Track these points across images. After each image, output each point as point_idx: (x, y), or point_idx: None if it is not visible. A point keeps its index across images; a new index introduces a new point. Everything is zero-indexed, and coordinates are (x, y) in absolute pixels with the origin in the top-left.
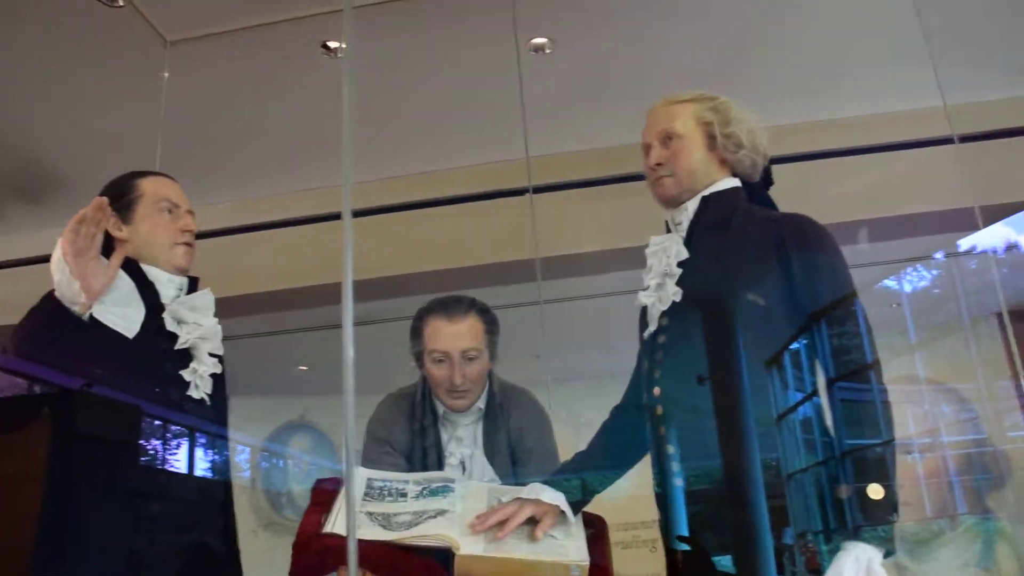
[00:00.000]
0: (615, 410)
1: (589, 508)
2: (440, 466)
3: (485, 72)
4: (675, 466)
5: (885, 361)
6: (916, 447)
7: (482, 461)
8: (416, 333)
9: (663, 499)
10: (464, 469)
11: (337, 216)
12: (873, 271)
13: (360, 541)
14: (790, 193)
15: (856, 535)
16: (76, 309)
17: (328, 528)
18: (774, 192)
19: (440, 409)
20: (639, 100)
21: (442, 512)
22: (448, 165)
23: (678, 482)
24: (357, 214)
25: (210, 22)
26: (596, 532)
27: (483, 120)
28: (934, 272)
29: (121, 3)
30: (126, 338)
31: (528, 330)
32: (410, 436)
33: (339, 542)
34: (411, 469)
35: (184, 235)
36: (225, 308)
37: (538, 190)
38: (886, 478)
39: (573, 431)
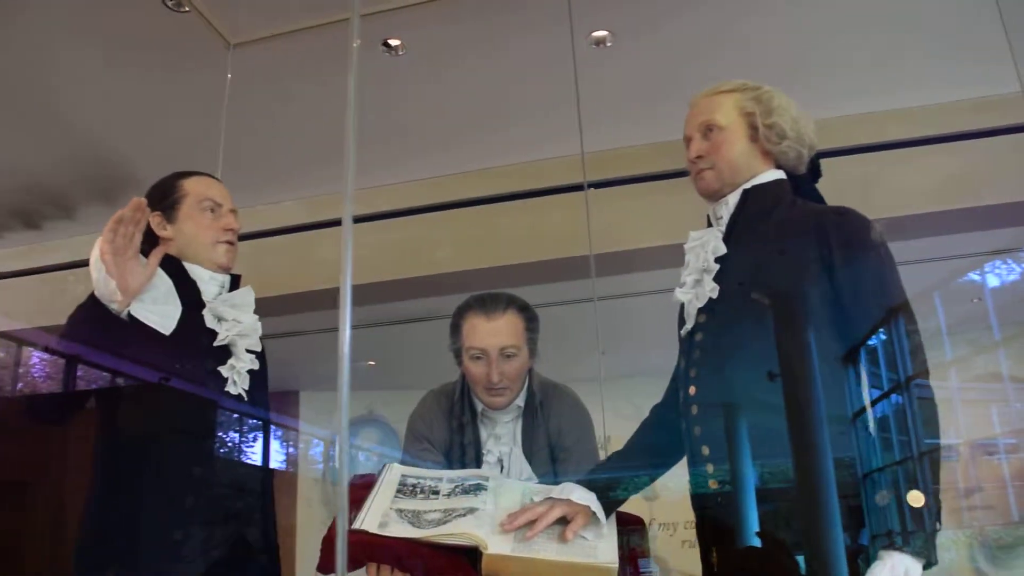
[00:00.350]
0: (655, 408)
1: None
2: (478, 463)
3: (543, 66)
4: (709, 467)
5: (967, 358)
6: (1001, 448)
7: (520, 459)
8: (455, 330)
9: (697, 500)
10: (502, 467)
11: (402, 213)
12: (955, 265)
13: (389, 538)
14: (860, 184)
15: (893, 544)
16: (114, 307)
17: (356, 525)
18: (842, 184)
19: (479, 406)
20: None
21: (472, 510)
22: (506, 161)
23: (712, 484)
24: (421, 210)
25: (272, 24)
26: (627, 531)
27: (542, 114)
28: (1021, 266)
29: (187, 8)
30: (165, 335)
31: (593, 326)
32: (449, 433)
33: (364, 539)
34: (450, 466)
35: (226, 234)
36: (294, 304)
37: (595, 185)
38: (928, 485)
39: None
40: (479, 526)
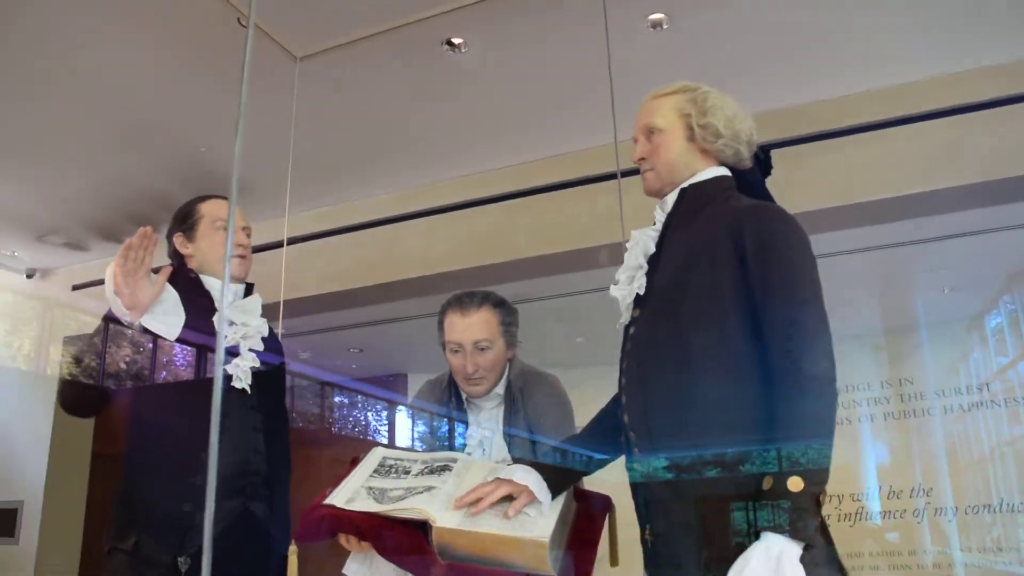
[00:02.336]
0: (614, 396)
1: None
2: (463, 447)
3: (602, 52)
4: (635, 451)
5: None
6: None
7: (500, 443)
8: (439, 326)
9: (631, 482)
10: (484, 451)
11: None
12: None
13: (351, 512)
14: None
15: (771, 526)
16: (127, 320)
17: (327, 500)
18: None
19: (464, 394)
20: (753, 75)
21: (430, 488)
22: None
23: (637, 466)
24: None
25: (336, 34)
26: (590, 510)
27: (597, 101)
28: None
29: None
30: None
31: None
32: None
33: (332, 512)
34: (441, 449)
35: (238, 248)
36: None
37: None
38: (810, 472)
39: None
40: (431, 502)
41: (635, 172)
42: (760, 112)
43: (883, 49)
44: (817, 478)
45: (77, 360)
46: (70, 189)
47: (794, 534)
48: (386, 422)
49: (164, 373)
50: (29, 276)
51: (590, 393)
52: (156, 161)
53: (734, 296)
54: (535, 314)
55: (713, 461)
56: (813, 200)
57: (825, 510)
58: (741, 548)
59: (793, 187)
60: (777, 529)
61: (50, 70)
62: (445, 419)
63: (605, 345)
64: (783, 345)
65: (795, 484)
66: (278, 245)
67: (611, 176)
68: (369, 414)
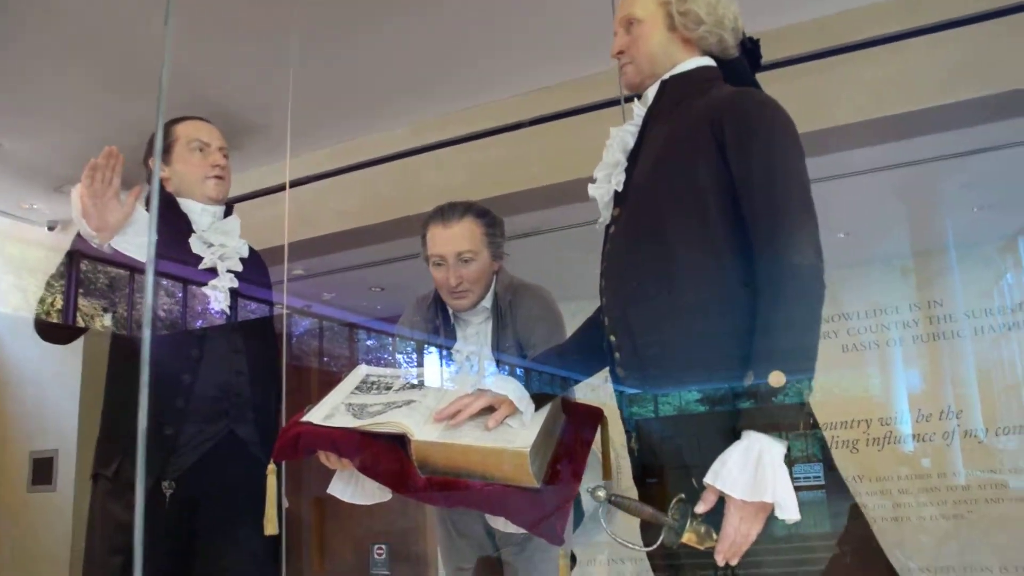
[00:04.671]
0: (598, 308)
1: None
2: (450, 362)
3: None
4: (617, 356)
5: None
6: None
7: (490, 359)
8: (422, 240)
9: (615, 389)
10: (472, 367)
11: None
12: None
13: (328, 428)
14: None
15: (751, 423)
16: (96, 242)
17: (304, 418)
18: None
19: (451, 309)
20: None
21: (409, 403)
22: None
23: (620, 372)
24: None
25: None
26: (580, 421)
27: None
28: None
29: None
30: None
31: None
32: (427, 336)
33: (309, 429)
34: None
35: (214, 169)
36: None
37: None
38: (793, 366)
39: None
40: (410, 416)
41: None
42: (778, 28)
43: None
44: (801, 372)
45: (42, 300)
46: (81, 137)
47: (776, 432)
48: (415, 362)
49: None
50: (51, 228)
51: None
52: (167, 105)
53: (715, 189)
54: (554, 245)
55: (696, 364)
56: (835, 117)
57: (853, 434)
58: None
59: (813, 103)
60: (757, 426)
61: (60, 19)
62: (433, 335)
63: None
64: (766, 237)
65: (777, 379)
66: (292, 184)
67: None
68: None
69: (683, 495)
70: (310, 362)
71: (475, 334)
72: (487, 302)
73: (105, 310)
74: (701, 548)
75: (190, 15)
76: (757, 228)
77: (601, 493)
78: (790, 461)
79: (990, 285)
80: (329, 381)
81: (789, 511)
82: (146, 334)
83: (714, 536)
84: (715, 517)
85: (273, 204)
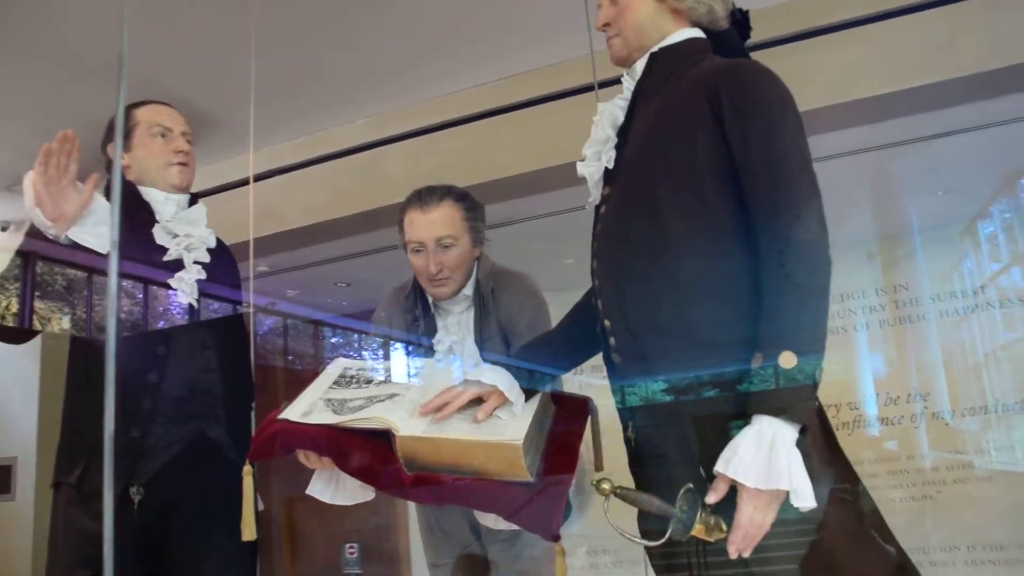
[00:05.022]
0: (588, 291)
1: None
2: (431, 354)
3: None
4: (612, 341)
5: None
6: None
7: (472, 348)
8: (399, 226)
9: (610, 377)
10: (454, 356)
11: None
12: None
13: (306, 425)
14: None
15: (763, 407)
16: (51, 233)
17: (281, 415)
18: None
19: (431, 298)
20: None
21: (392, 396)
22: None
23: (616, 358)
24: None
25: None
26: (569, 412)
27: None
28: None
29: None
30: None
31: None
32: (406, 327)
33: (287, 427)
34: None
35: (177, 156)
36: (364, 222)
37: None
38: (803, 347)
39: None
40: (394, 410)
41: (615, 82)
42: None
43: None
44: (812, 353)
45: None
46: (33, 133)
47: (789, 415)
48: (382, 358)
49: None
50: (3, 229)
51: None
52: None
53: (712, 164)
54: (522, 236)
55: (698, 347)
56: (803, 100)
57: None
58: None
59: None
60: (769, 410)
61: (11, 10)
62: (412, 326)
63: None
64: (769, 211)
65: (788, 360)
66: (257, 179)
67: (590, 88)
68: (365, 353)
69: (691, 485)
70: (275, 361)
71: (456, 324)
72: (468, 290)
73: (64, 312)
74: (711, 541)
75: (146, 8)
76: (759, 202)
77: (606, 486)
78: (803, 446)
79: (953, 268)
80: (296, 380)
81: (805, 498)
82: (111, 325)
83: (723, 527)
84: (724, 507)
85: (235, 199)
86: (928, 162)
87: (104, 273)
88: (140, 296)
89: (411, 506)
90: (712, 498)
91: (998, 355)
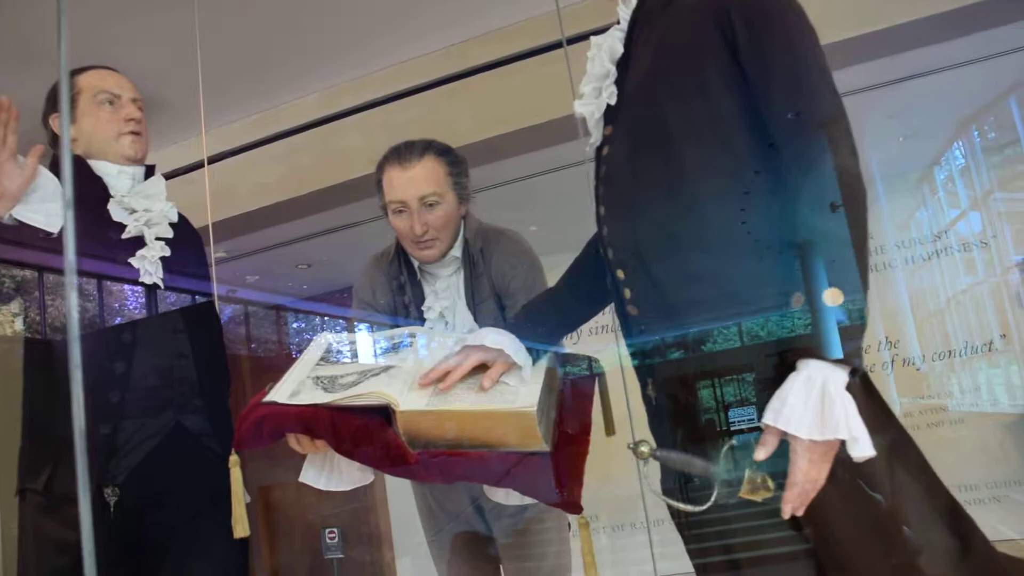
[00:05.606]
0: (589, 240)
1: None
2: (421, 322)
3: None
4: (627, 292)
5: None
6: None
7: (464, 312)
8: (378, 186)
9: (625, 331)
10: (446, 323)
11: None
12: None
13: (295, 407)
14: None
15: (809, 350)
16: None
17: (267, 397)
18: None
19: (416, 263)
20: None
21: (388, 369)
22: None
23: (631, 310)
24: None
25: None
26: (575, 374)
27: None
28: None
29: None
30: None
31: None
32: (392, 295)
33: (274, 410)
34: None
35: (128, 124)
36: (323, 199)
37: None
38: (847, 283)
39: None
40: (390, 383)
41: (582, 39)
42: None
43: None
44: (855, 289)
45: None
46: None
47: (837, 357)
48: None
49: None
50: None
51: (551, 283)
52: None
53: (726, 88)
54: (484, 205)
55: (727, 288)
56: None
57: None
58: (770, 388)
59: None
60: (816, 354)
61: None
62: (397, 293)
63: (561, 231)
64: (799, 139)
65: (834, 297)
66: (209, 161)
67: (552, 47)
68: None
69: (734, 442)
70: (238, 350)
71: (446, 288)
72: (457, 251)
73: (15, 314)
74: (759, 501)
75: None
76: (785, 129)
77: (645, 449)
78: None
79: (913, 215)
80: (260, 367)
81: (863, 447)
82: (71, 302)
83: (770, 485)
84: (766, 463)
85: (186, 184)
86: (888, 109)
87: (57, 271)
88: (84, 284)
89: (390, 486)
90: (761, 454)
91: (960, 299)
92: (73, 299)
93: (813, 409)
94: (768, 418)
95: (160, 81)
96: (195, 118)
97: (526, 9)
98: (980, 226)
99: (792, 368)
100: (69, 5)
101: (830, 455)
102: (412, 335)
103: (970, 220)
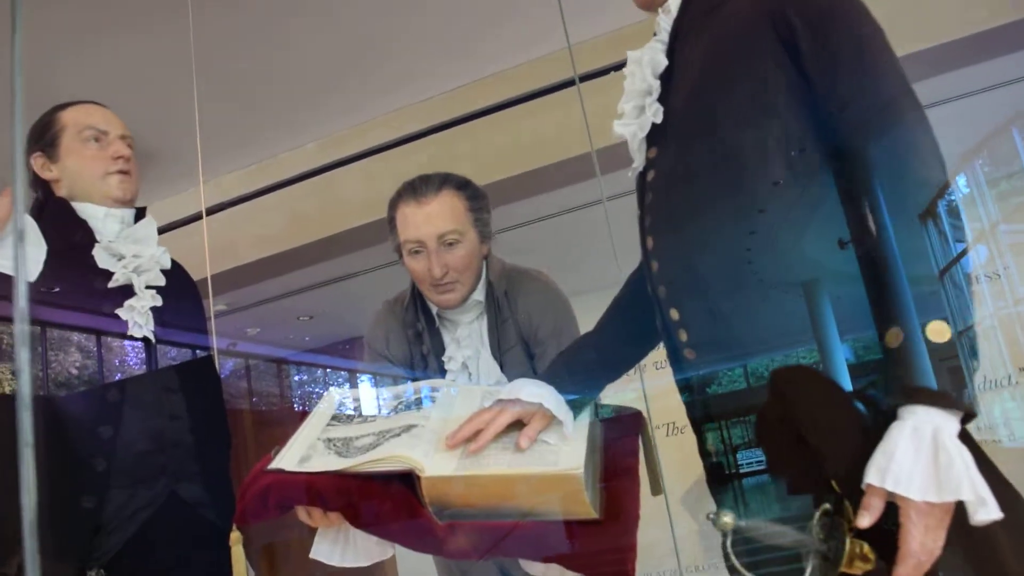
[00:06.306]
0: (630, 279)
1: None
2: (442, 374)
3: None
4: (682, 335)
5: None
6: None
7: (489, 362)
8: (391, 225)
9: (680, 379)
10: (469, 374)
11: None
12: None
13: (306, 475)
14: None
15: (913, 397)
16: None
17: (274, 464)
18: None
19: (435, 309)
20: None
21: (409, 428)
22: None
23: (688, 354)
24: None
25: None
26: (625, 430)
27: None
28: None
29: None
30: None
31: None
32: (407, 345)
33: (281, 479)
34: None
35: (116, 163)
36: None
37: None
38: (956, 313)
39: None
40: (414, 445)
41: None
42: None
43: None
44: (962, 321)
45: None
46: None
47: (948, 403)
48: (383, 385)
49: None
50: None
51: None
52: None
53: (787, 95)
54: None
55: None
56: None
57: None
58: (860, 442)
59: None
60: (924, 398)
61: None
62: (414, 343)
63: (563, 274)
64: (883, 151)
65: (939, 332)
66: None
67: (557, 88)
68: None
69: (828, 506)
70: (240, 404)
71: (468, 336)
72: (479, 294)
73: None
74: (858, 575)
75: (81, 40)
76: (864, 142)
77: (728, 519)
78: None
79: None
80: (263, 420)
81: (991, 509)
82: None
83: (871, 557)
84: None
85: (183, 237)
86: None
87: (58, 326)
88: (84, 340)
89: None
90: (866, 520)
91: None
92: (24, 356)
93: (925, 465)
94: (872, 477)
95: (154, 133)
96: (188, 170)
97: (528, 52)
98: (985, 258)
99: (892, 417)
100: (66, 65)
101: (947, 519)
102: (434, 389)
103: (978, 252)
